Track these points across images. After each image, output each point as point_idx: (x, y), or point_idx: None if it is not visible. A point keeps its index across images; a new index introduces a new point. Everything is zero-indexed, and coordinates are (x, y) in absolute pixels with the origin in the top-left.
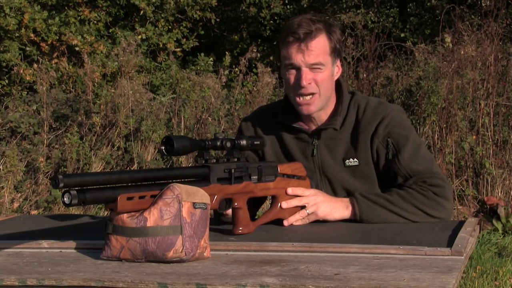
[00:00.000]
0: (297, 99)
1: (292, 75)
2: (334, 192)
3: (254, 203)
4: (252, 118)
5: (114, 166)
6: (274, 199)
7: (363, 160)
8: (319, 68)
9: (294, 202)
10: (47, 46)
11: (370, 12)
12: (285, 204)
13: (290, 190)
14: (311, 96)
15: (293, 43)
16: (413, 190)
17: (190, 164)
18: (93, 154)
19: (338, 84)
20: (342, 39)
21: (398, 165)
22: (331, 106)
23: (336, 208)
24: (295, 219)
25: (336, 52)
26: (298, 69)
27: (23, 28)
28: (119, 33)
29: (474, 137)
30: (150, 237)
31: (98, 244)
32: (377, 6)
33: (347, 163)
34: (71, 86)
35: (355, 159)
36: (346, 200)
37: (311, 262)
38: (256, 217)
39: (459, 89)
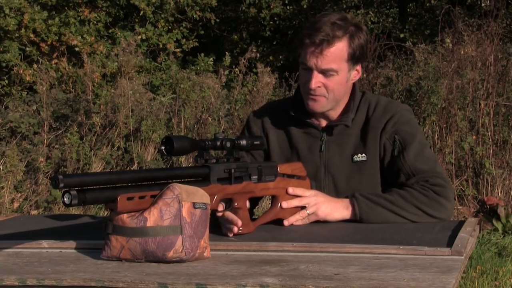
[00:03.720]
0: (306, 95)
1: (304, 74)
2: (336, 188)
3: (252, 202)
4: (260, 111)
5: (114, 166)
6: (274, 199)
7: (372, 156)
8: (331, 74)
9: (294, 203)
10: (47, 47)
11: (370, 12)
12: (285, 204)
13: (290, 190)
14: (318, 97)
15: (309, 46)
16: (414, 190)
17: (190, 164)
18: (93, 154)
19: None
20: (366, 43)
21: (403, 161)
22: (342, 105)
23: (336, 209)
24: (295, 219)
25: (355, 59)
26: (310, 70)
27: (23, 29)
28: (119, 33)
29: (474, 137)
30: (150, 237)
31: (98, 244)
32: (377, 6)
33: (355, 159)
34: (71, 86)
35: (363, 155)
36: (346, 200)
37: (311, 262)
38: (256, 217)
39: (459, 89)
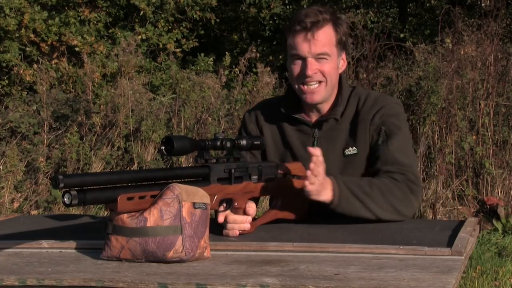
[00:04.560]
0: (302, 87)
1: (297, 65)
2: None
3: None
4: (255, 110)
5: (114, 166)
6: (274, 199)
7: (362, 149)
8: (325, 59)
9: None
10: (47, 47)
11: (370, 12)
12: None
13: (311, 149)
14: (317, 84)
15: (300, 32)
16: (392, 182)
17: (190, 164)
18: (93, 154)
19: (339, 77)
20: (348, 32)
21: (385, 149)
22: (333, 97)
23: (322, 193)
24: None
25: (342, 44)
26: (304, 59)
27: (23, 29)
28: (119, 33)
29: (474, 137)
30: (150, 237)
31: (98, 244)
32: (377, 6)
33: (346, 153)
34: (71, 86)
35: (354, 148)
36: (330, 185)
37: (311, 262)
38: (256, 217)
39: (459, 89)
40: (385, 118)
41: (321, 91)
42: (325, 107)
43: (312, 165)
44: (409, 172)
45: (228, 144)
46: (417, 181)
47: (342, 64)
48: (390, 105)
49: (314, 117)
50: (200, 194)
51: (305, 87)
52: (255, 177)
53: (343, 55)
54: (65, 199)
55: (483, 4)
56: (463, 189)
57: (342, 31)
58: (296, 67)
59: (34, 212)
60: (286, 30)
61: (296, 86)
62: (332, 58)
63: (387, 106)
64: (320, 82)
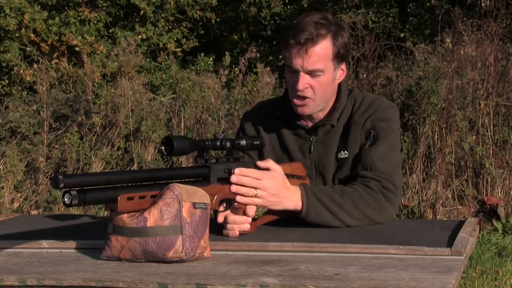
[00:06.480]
0: (294, 99)
1: (291, 77)
2: None
3: None
4: (252, 114)
5: (114, 166)
6: None
7: (353, 153)
8: (318, 75)
9: (245, 180)
10: (47, 47)
11: (370, 12)
12: (234, 187)
13: (237, 171)
14: (304, 99)
15: (294, 47)
16: (365, 191)
17: (190, 164)
18: (93, 154)
19: (338, 84)
20: (349, 42)
21: (368, 154)
22: (329, 105)
23: (283, 203)
24: (242, 192)
25: (339, 57)
26: (297, 73)
27: (23, 29)
28: (119, 33)
29: (474, 137)
30: (150, 237)
31: (98, 244)
32: (377, 6)
33: (339, 156)
34: (71, 86)
35: (346, 152)
36: (298, 196)
37: (311, 262)
38: (256, 217)
39: (459, 89)
40: (375, 122)
41: (309, 105)
42: (320, 115)
43: (233, 188)
44: (386, 180)
45: (228, 144)
46: (394, 189)
47: (341, 74)
48: (383, 110)
49: (310, 122)
50: (200, 194)
51: (296, 99)
52: None
53: (343, 66)
54: (65, 199)
55: (483, 4)
56: (463, 189)
57: (341, 43)
58: (290, 79)
59: (34, 212)
60: (282, 40)
61: (290, 97)
62: (327, 72)
63: (380, 110)
64: (307, 98)
